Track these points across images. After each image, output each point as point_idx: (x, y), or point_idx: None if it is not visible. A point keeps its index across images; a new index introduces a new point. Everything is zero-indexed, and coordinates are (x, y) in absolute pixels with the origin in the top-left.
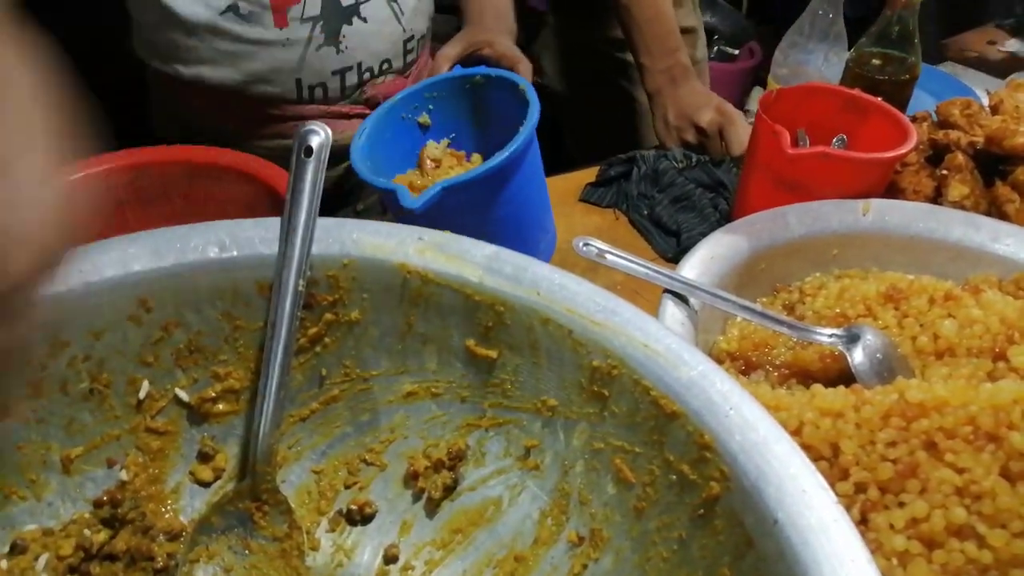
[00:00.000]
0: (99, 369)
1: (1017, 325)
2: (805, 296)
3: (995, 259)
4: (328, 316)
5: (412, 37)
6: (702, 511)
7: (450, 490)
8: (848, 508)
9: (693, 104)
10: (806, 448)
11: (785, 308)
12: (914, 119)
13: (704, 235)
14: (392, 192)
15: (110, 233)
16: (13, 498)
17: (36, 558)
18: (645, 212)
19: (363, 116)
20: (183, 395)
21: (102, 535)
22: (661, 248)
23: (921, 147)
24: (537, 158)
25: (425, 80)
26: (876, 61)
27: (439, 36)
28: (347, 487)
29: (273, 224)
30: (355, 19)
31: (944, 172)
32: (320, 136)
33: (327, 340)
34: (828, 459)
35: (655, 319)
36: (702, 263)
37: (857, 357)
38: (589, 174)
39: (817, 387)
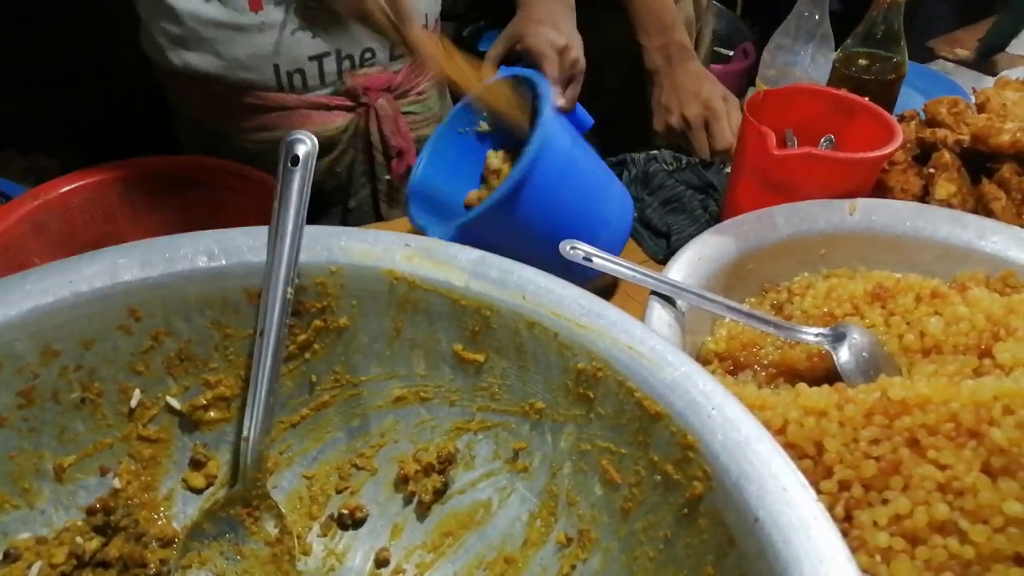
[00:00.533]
0: (90, 378)
1: (1003, 322)
2: (793, 296)
3: (982, 257)
4: (317, 323)
5: None
6: (686, 510)
7: (440, 493)
8: (832, 506)
9: (686, 89)
10: (790, 447)
11: (773, 308)
12: (901, 118)
13: (694, 236)
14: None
15: (102, 244)
16: (6, 507)
17: (29, 566)
18: (635, 214)
19: (345, 108)
20: (174, 403)
21: (95, 542)
22: (651, 250)
23: (908, 146)
24: (565, 157)
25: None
26: (863, 61)
27: None
28: (338, 492)
29: (261, 232)
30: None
31: (931, 171)
32: (307, 145)
33: (316, 346)
34: (812, 457)
35: (640, 322)
36: (689, 264)
37: (843, 356)
38: None
39: (801, 386)
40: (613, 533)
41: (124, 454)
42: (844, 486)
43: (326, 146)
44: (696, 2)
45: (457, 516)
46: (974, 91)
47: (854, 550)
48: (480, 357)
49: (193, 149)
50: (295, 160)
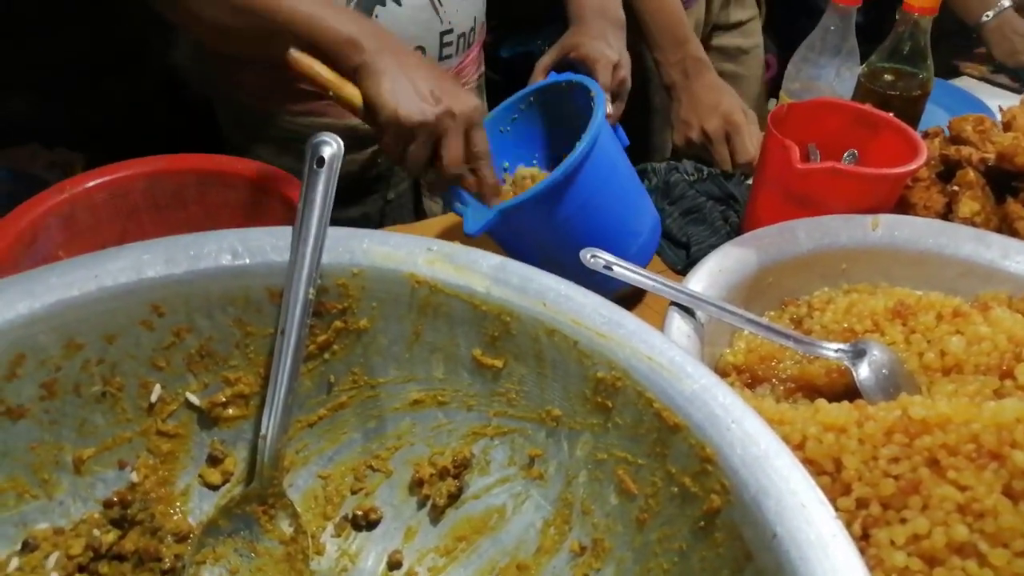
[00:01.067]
0: (112, 372)
1: None
2: (813, 310)
3: (1005, 276)
4: (337, 324)
5: (451, 31)
6: (703, 523)
7: (454, 498)
8: (850, 523)
9: (704, 102)
10: (808, 463)
11: (793, 322)
12: (926, 135)
13: (714, 247)
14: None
15: (126, 239)
16: (26, 496)
17: (47, 556)
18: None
19: None
20: (194, 399)
21: (111, 535)
22: (671, 260)
23: (932, 163)
24: (613, 161)
25: (519, 92)
26: (888, 77)
27: None
28: (353, 493)
29: (285, 232)
30: (390, 2)
31: (955, 188)
32: (332, 147)
33: (336, 347)
34: (830, 474)
35: (660, 332)
36: (709, 276)
37: (863, 372)
38: None
39: (821, 402)
40: (628, 543)
41: (143, 448)
42: (862, 504)
43: (371, 136)
44: (708, 5)
45: (471, 521)
46: (1000, 109)
47: (871, 569)
48: (499, 363)
49: (232, 130)
50: (320, 161)
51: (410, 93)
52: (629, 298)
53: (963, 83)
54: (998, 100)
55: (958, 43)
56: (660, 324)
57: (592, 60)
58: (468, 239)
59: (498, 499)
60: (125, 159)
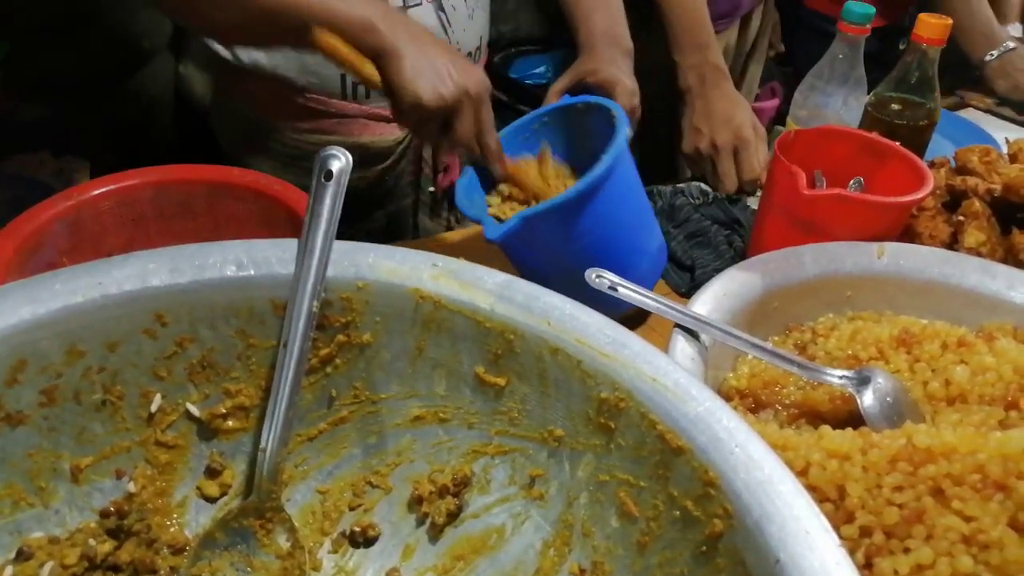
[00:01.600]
0: (113, 381)
1: None
2: (817, 336)
3: (1011, 307)
4: (340, 338)
5: (458, 51)
6: (704, 548)
7: (454, 516)
8: (853, 552)
9: (717, 113)
10: (812, 489)
11: (797, 348)
12: (932, 164)
13: (718, 271)
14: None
15: (132, 248)
16: (22, 504)
17: (41, 565)
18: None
19: None
20: (194, 410)
21: (107, 545)
22: (675, 283)
23: (938, 192)
24: (630, 180)
25: (532, 112)
26: (895, 106)
27: None
28: (351, 509)
29: (290, 245)
30: None
31: (961, 218)
32: (340, 161)
33: (338, 361)
34: (834, 501)
35: (664, 353)
36: (714, 299)
37: (867, 400)
38: None
39: (825, 428)
40: (628, 567)
41: (141, 458)
42: (865, 532)
43: (380, 155)
44: (742, 34)
45: (470, 540)
46: (1007, 141)
47: None
48: (501, 381)
49: (233, 144)
50: (328, 175)
51: (430, 75)
52: (633, 319)
53: (969, 115)
54: (1004, 132)
55: (963, 75)
56: (664, 346)
57: (611, 84)
58: (471, 256)
59: (498, 519)
60: (127, 168)
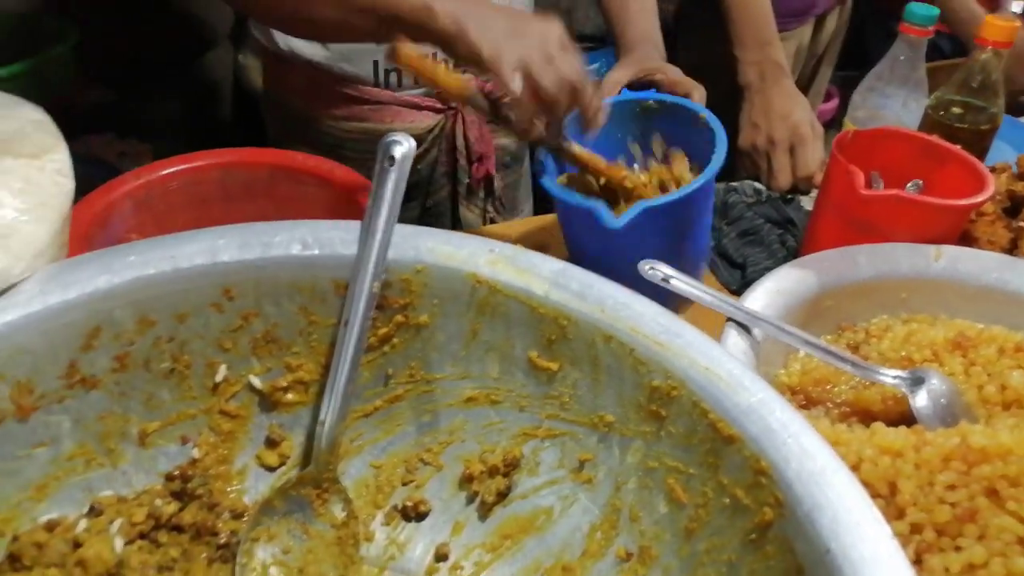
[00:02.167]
0: (181, 350)
1: None
2: (871, 337)
3: None
4: (398, 318)
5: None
6: (754, 536)
7: (503, 496)
8: (903, 547)
9: (776, 109)
10: (863, 485)
11: (849, 348)
12: (993, 169)
13: (770, 269)
14: (589, 210)
15: (195, 226)
16: (93, 464)
17: (111, 522)
18: (711, 243)
19: (435, 110)
20: (256, 382)
21: (172, 507)
22: (725, 279)
23: (999, 198)
24: (713, 185)
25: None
26: (956, 109)
27: None
28: (404, 484)
29: (354, 227)
30: None
31: (1021, 224)
32: (403, 146)
33: (395, 341)
34: (885, 497)
35: (718, 344)
36: (767, 295)
37: (920, 400)
38: None
39: (878, 424)
40: (675, 552)
41: (205, 426)
42: (916, 529)
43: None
44: (816, 35)
45: (518, 520)
46: None
47: None
48: (554, 366)
49: (278, 131)
50: (391, 160)
51: (500, 37)
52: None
53: None
54: None
55: None
56: None
57: (689, 86)
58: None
59: (546, 500)
60: (188, 152)
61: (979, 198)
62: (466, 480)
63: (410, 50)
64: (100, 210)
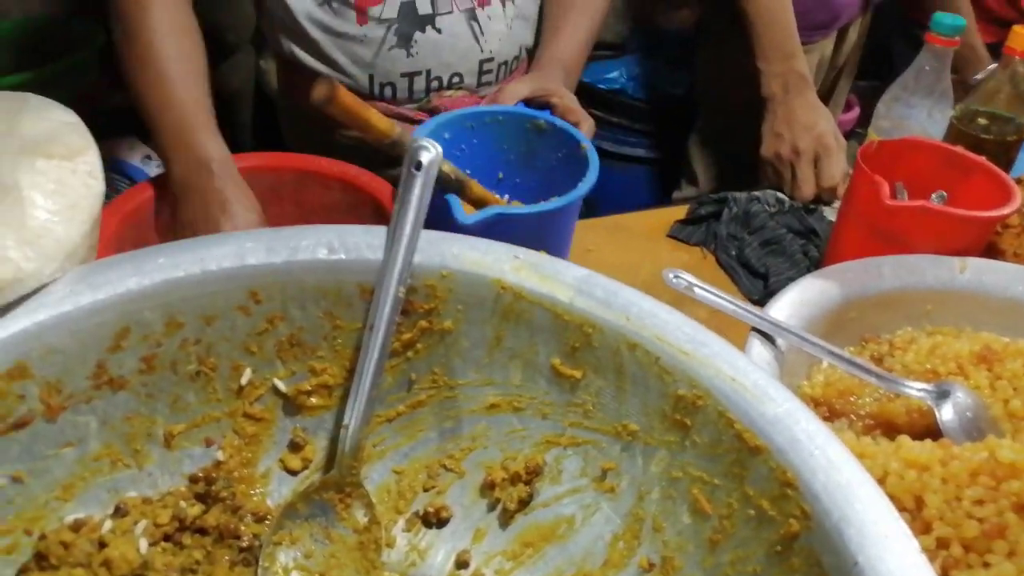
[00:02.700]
0: (207, 353)
1: None
2: (895, 349)
3: None
4: (422, 323)
5: (492, 60)
6: (779, 548)
7: (525, 503)
8: (929, 562)
9: (800, 120)
10: (889, 498)
11: (873, 360)
12: (1019, 181)
13: (792, 280)
14: (445, 202)
15: None
16: (119, 465)
17: (136, 523)
18: (733, 253)
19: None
20: (281, 385)
21: (196, 509)
22: (747, 289)
23: None
24: (575, 215)
25: (490, 106)
26: (982, 120)
27: None
28: (425, 490)
29: (380, 232)
30: (429, 28)
31: None
32: (431, 153)
33: (419, 346)
34: (911, 511)
35: (743, 354)
36: (791, 306)
37: (946, 414)
38: (678, 211)
39: (903, 438)
40: (698, 564)
41: (229, 429)
42: (943, 544)
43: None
44: (838, 47)
45: (539, 528)
46: None
47: None
48: (577, 374)
49: (293, 138)
50: (418, 166)
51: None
52: None
53: None
54: None
55: None
56: None
57: (579, 116)
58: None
59: (568, 509)
60: None
61: (1005, 210)
62: (488, 487)
63: (345, 95)
64: (129, 212)
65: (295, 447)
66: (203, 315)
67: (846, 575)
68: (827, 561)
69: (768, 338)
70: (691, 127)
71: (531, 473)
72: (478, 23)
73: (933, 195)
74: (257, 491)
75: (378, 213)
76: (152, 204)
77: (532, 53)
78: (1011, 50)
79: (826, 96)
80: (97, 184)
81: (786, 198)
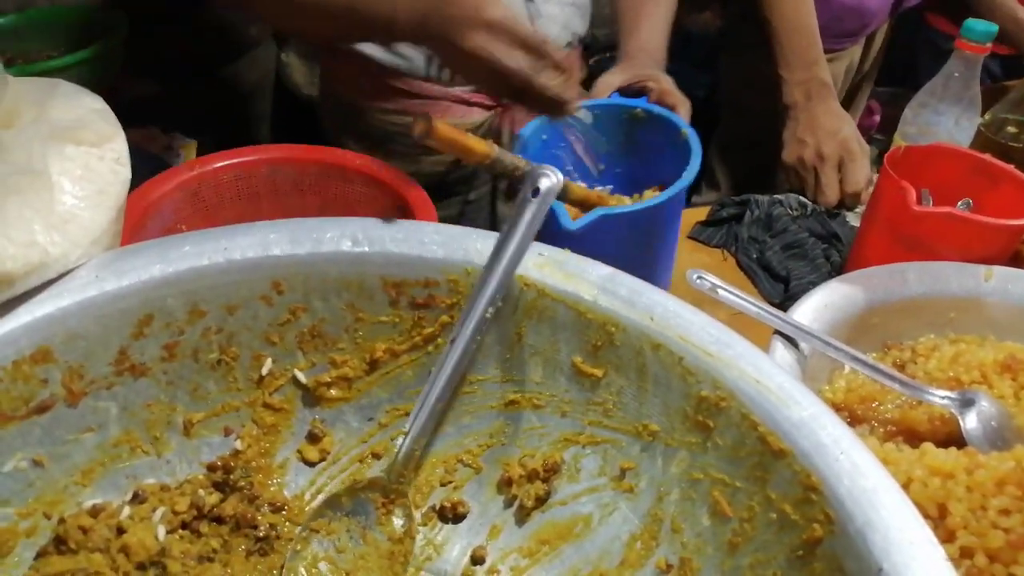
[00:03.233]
0: (229, 342)
1: None
2: (917, 356)
3: None
4: (444, 318)
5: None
6: (801, 552)
7: (542, 501)
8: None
9: (823, 126)
10: None
11: (896, 366)
12: None
13: (814, 284)
14: (551, 211)
15: (244, 220)
16: (138, 452)
17: (154, 510)
18: (754, 255)
19: (484, 106)
20: (301, 376)
21: (213, 497)
22: (768, 292)
23: None
24: (682, 202)
25: (585, 101)
26: (1011, 128)
27: None
28: (443, 485)
29: (404, 225)
30: None
31: None
32: (551, 180)
33: (440, 341)
34: (934, 519)
35: (768, 356)
36: (814, 310)
37: (970, 422)
38: (700, 212)
39: (928, 445)
40: (717, 566)
41: (248, 418)
42: (967, 553)
43: None
44: (865, 54)
45: (556, 526)
46: None
47: None
48: (599, 372)
49: (332, 126)
50: (536, 192)
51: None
52: None
53: None
54: None
55: None
56: None
57: (677, 100)
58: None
59: (585, 507)
60: (231, 147)
61: None
62: (505, 484)
63: (443, 127)
64: (154, 200)
65: (313, 438)
66: (226, 304)
67: None
68: (850, 567)
69: (791, 342)
70: (712, 130)
71: (549, 471)
72: (535, 4)
73: (959, 203)
74: (274, 481)
75: (400, 207)
76: (177, 193)
77: (583, 42)
78: None
79: (848, 102)
80: (124, 171)
81: (809, 202)
